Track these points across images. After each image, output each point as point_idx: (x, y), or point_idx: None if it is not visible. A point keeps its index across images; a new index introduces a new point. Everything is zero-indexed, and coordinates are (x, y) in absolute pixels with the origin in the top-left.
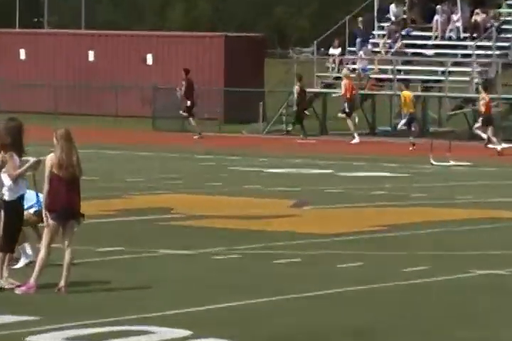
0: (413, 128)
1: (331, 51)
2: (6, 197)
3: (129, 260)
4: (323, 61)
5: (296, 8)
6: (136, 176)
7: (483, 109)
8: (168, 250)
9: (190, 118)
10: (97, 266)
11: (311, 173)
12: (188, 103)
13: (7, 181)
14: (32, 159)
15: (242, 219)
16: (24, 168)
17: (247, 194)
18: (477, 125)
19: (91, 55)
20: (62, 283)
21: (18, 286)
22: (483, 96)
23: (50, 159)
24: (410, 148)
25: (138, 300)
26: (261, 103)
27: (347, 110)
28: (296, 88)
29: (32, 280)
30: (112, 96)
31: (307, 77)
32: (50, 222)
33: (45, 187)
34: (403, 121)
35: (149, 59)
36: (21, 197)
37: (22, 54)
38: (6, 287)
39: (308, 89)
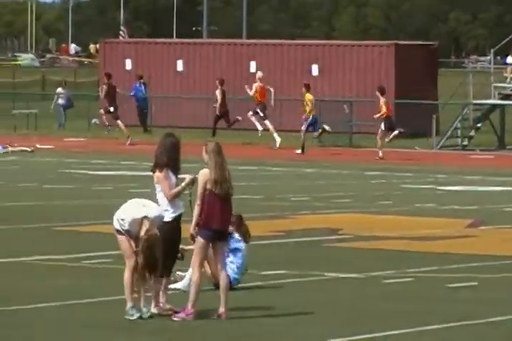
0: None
1: (509, 60)
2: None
3: (293, 284)
4: (502, 70)
5: (471, 15)
6: (302, 194)
7: None
8: (335, 273)
9: (119, 122)
10: (259, 291)
11: (489, 190)
12: (111, 109)
13: (163, 201)
14: (188, 177)
15: (415, 240)
16: (180, 187)
17: (419, 213)
18: None
19: (252, 66)
20: (221, 309)
21: (176, 313)
22: None
23: (203, 175)
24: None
25: (301, 327)
26: (434, 116)
27: (258, 110)
28: (217, 92)
29: (189, 306)
30: (275, 110)
31: (484, 87)
32: (200, 240)
33: (198, 204)
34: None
35: (315, 70)
36: (179, 217)
37: (179, 65)
38: (164, 314)
39: (484, 101)
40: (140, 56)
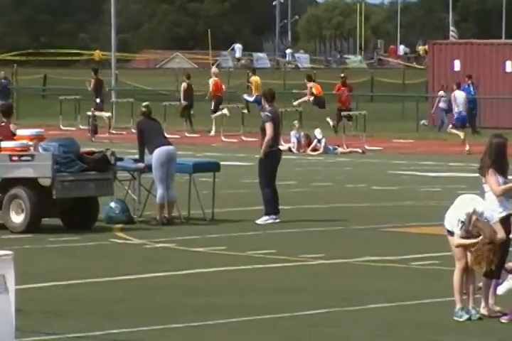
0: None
1: None
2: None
3: None
4: None
5: None
6: None
7: None
8: None
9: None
10: None
11: None
12: (97, 100)
13: (491, 202)
14: None
15: None
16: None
17: None
18: None
19: None
20: None
21: (504, 315)
22: None
23: None
24: None
25: None
26: None
27: (212, 108)
28: (183, 85)
29: None
30: None
31: None
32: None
33: None
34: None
35: None
36: (507, 218)
37: (508, 66)
38: (493, 315)
39: None
40: (469, 57)
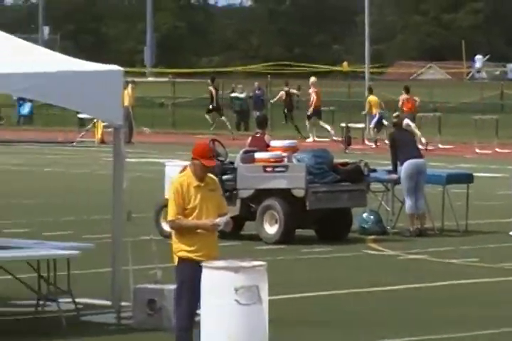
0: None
1: None
2: None
3: None
4: None
5: None
6: None
7: None
8: None
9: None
10: None
11: None
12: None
13: None
14: None
15: None
16: None
17: None
18: None
19: None
20: None
21: None
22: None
23: None
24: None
25: None
26: None
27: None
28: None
29: None
30: None
31: None
32: None
33: None
34: (374, 121)
35: None
36: None
37: None
38: None
39: None
40: None
